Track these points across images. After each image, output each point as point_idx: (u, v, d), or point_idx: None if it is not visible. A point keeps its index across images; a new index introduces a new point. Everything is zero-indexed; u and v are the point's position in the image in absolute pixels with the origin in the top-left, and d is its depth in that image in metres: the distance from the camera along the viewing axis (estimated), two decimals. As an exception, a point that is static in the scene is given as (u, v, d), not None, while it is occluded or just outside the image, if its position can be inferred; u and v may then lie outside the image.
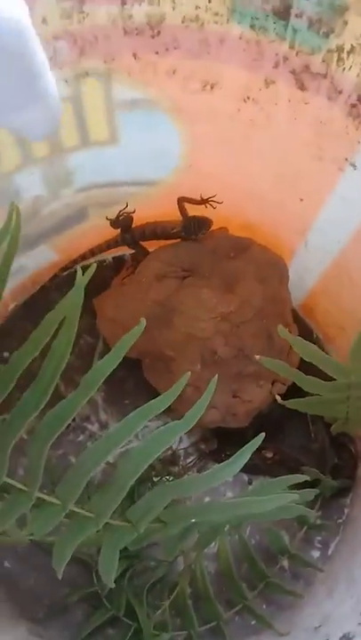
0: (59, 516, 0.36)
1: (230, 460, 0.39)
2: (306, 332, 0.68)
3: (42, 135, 0.32)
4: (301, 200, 0.52)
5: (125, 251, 0.68)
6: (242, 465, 0.39)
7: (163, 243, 0.60)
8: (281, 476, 0.51)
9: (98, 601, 0.53)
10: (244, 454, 0.39)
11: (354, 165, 0.45)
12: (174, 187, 0.56)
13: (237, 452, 0.39)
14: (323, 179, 0.48)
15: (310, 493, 0.46)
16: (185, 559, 0.54)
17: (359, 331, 0.44)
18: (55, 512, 0.36)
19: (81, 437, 0.62)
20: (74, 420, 0.62)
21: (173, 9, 0.38)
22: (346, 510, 0.61)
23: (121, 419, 0.62)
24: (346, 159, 0.45)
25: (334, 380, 0.48)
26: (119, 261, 0.68)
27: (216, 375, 0.39)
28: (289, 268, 0.60)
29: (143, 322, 0.37)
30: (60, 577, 0.36)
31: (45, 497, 0.37)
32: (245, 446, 0.38)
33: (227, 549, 0.54)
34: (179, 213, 0.57)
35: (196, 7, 0.38)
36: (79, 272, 0.37)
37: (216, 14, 0.38)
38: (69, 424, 0.62)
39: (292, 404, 0.49)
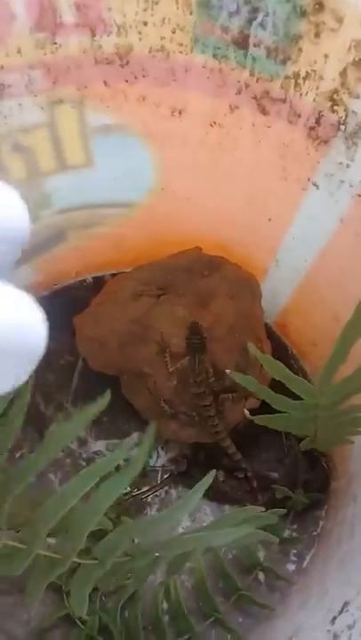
0: (25, 560, 0.37)
1: (183, 500, 0.40)
2: (281, 348, 0.70)
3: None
4: (270, 220, 0.54)
5: (106, 271, 0.70)
6: (195, 503, 0.40)
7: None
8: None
9: (72, 622, 0.54)
10: (197, 494, 0.40)
11: (316, 185, 0.47)
12: (149, 208, 0.58)
13: (189, 493, 0.40)
14: (288, 199, 0.50)
15: (273, 517, 0.48)
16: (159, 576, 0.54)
17: (329, 356, 0.45)
18: (22, 556, 0.37)
19: (60, 455, 0.63)
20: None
21: (140, 40, 0.41)
22: (321, 523, 0.62)
23: (100, 436, 0.64)
24: (308, 179, 0.47)
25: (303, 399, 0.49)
26: (99, 281, 0.70)
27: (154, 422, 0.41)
28: (262, 286, 0.62)
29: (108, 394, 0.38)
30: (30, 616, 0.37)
31: (11, 542, 0.38)
32: (196, 486, 0.40)
33: (201, 565, 0.55)
34: (157, 235, 0.60)
35: (162, 38, 0.41)
36: None
37: (180, 44, 0.41)
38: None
39: (260, 420, 0.51)
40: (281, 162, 0.47)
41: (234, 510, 0.47)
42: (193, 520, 0.61)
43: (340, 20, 0.36)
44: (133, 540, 0.42)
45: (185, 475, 0.62)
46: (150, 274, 0.60)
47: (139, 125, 0.48)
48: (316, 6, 0.35)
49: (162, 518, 0.42)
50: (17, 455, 0.62)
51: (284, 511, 0.54)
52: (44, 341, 0.24)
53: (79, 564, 0.40)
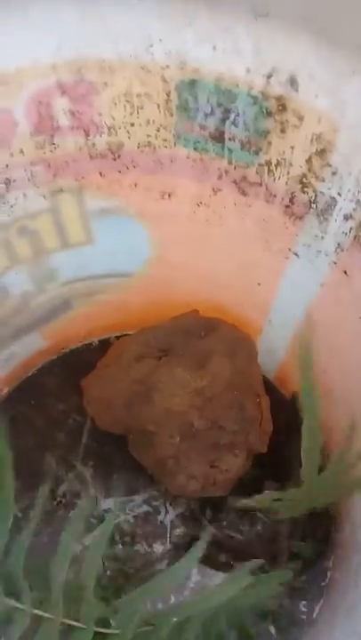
0: (55, 630, 0.39)
1: (183, 560, 0.43)
2: (282, 402, 0.73)
3: None
4: (259, 284, 0.58)
5: (111, 333, 0.74)
6: (196, 560, 0.43)
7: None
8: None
9: None
10: (197, 551, 0.43)
11: (297, 254, 0.51)
12: (148, 277, 0.62)
13: (189, 551, 0.43)
14: (273, 266, 0.54)
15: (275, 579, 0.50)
16: None
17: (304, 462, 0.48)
18: (51, 627, 0.40)
19: (72, 513, 0.66)
20: (64, 496, 0.66)
21: (129, 138, 0.46)
22: (329, 573, 0.63)
23: (109, 494, 0.67)
24: (289, 249, 0.51)
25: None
26: (105, 343, 0.74)
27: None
28: (259, 344, 0.66)
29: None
30: None
31: (40, 612, 0.40)
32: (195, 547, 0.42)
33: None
34: (156, 300, 0.64)
35: (148, 136, 0.46)
36: None
37: (165, 140, 0.46)
38: (60, 500, 0.66)
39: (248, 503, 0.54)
40: (263, 234, 0.52)
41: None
42: (202, 575, 0.63)
43: (301, 118, 0.40)
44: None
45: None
46: (151, 337, 0.64)
47: (133, 207, 0.53)
48: (280, 107, 0.40)
49: (169, 575, 0.44)
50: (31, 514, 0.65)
51: (289, 574, 0.56)
52: None
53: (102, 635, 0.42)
